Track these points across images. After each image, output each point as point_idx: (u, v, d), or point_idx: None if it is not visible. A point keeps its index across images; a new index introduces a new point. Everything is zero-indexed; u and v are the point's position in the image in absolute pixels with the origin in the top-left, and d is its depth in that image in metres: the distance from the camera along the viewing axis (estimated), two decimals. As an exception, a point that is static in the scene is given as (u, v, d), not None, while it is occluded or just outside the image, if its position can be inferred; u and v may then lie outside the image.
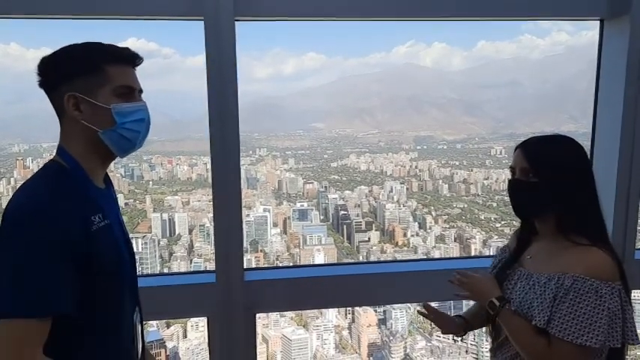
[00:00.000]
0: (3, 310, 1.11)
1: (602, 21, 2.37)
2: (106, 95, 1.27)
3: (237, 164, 2.06)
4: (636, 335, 1.41)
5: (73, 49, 1.31)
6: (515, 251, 1.67)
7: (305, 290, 2.26)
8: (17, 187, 1.29)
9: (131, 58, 1.32)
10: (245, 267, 2.20)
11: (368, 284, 2.30)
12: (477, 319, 1.75)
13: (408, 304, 10.10)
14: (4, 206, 1.32)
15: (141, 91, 1.34)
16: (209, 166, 2.06)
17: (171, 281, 2.20)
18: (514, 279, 1.61)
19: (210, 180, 2.08)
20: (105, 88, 1.26)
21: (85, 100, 1.26)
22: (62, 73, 1.27)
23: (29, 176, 1.36)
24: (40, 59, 1.29)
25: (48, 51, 1.32)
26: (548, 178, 1.49)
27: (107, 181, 1.42)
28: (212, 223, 2.14)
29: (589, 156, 2.45)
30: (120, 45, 1.36)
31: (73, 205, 1.21)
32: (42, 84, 1.30)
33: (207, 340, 2.22)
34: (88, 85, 1.26)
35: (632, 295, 2.01)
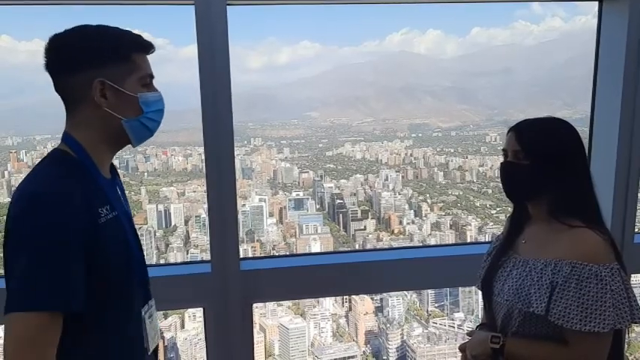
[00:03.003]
0: (14, 304, 1.08)
1: (600, 2, 2.34)
2: (133, 84, 1.26)
3: (232, 152, 2.02)
4: None
5: (97, 33, 1.26)
6: (509, 236, 1.66)
7: (302, 279, 2.25)
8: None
9: (149, 47, 1.30)
10: (241, 257, 2.18)
11: (365, 272, 2.29)
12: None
13: (405, 292, 10.13)
14: (-1, 199, 1.28)
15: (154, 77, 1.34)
16: (204, 156, 2.03)
17: (167, 272, 2.18)
18: (509, 266, 1.59)
19: (205, 171, 2.05)
20: (132, 76, 1.25)
21: (112, 87, 1.23)
22: (90, 58, 1.23)
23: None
24: (53, 39, 1.23)
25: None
26: (540, 161, 1.48)
27: (113, 171, 1.38)
28: (207, 214, 2.11)
29: (588, 139, 2.43)
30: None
31: (80, 195, 1.17)
32: (57, 66, 1.25)
33: (203, 331, 2.20)
34: (118, 73, 1.24)
35: (633, 278, 2.00)
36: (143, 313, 1.38)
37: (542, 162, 1.48)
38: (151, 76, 1.30)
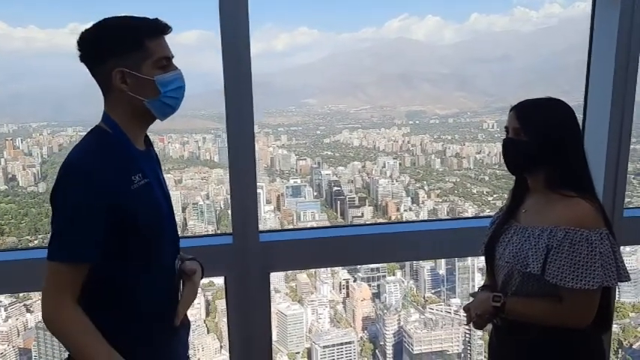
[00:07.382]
0: (48, 253, 1.32)
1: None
2: (149, 68, 1.41)
3: (251, 128, 2.16)
4: (627, 273, 1.58)
5: (114, 26, 1.43)
6: (511, 207, 1.83)
7: (316, 250, 2.40)
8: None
9: (164, 29, 1.45)
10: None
11: (378, 244, 2.45)
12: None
13: (402, 278, 10.30)
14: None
15: (173, 57, 1.47)
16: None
17: (192, 243, 2.32)
18: (510, 233, 1.76)
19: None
20: (147, 61, 1.41)
21: (130, 73, 1.39)
22: (108, 50, 1.40)
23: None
24: (82, 34, 1.40)
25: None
26: (537, 137, 1.65)
27: (147, 142, 1.54)
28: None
29: (582, 121, 2.59)
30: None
31: (113, 164, 1.36)
32: (85, 59, 1.42)
33: (224, 298, 2.36)
34: (133, 60, 1.40)
35: (622, 249, 2.16)
36: (176, 263, 1.58)
37: (539, 139, 1.64)
38: (167, 58, 1.43)
